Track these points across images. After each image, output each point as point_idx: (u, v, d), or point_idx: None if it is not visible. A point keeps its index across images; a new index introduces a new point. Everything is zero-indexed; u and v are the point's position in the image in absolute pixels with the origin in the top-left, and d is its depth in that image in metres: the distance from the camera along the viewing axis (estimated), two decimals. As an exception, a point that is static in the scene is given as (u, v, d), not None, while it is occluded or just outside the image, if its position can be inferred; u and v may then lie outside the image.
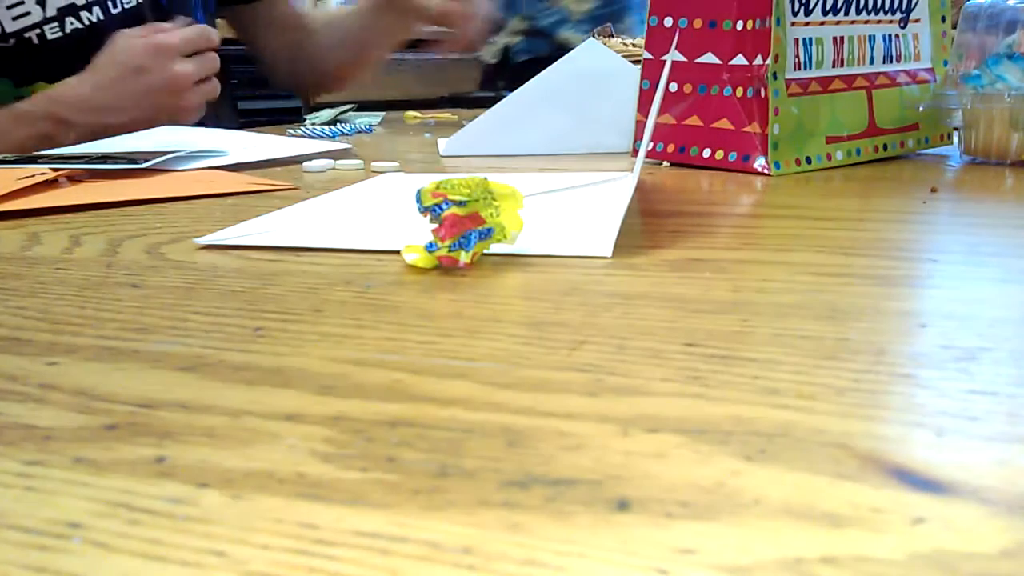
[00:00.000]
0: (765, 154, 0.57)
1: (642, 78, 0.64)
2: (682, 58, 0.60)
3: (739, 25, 0.58)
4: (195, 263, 0.35)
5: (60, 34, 0.84)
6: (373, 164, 0.65)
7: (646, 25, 0.63)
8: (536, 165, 0.65)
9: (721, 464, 0.17)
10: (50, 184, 0.53)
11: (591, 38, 0.83)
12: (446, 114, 1.23)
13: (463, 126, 0.77)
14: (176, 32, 0.78)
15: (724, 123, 0.59)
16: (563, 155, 0.71)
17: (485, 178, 0.32)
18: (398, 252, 0.33)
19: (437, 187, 0.31)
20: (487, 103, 0.87)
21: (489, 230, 0.32)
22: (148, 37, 0.78)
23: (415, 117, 1.19)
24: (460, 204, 0.31)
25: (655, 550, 0.14)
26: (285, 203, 0.48)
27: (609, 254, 0.34)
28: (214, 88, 0.83)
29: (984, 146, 0.61)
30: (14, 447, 0.18)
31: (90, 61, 0.79)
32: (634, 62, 1.09)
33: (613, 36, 1.28)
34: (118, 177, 0.57)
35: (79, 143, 0.75)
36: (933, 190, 0.50)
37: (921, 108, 0.64)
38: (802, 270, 0.32)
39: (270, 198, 0.51)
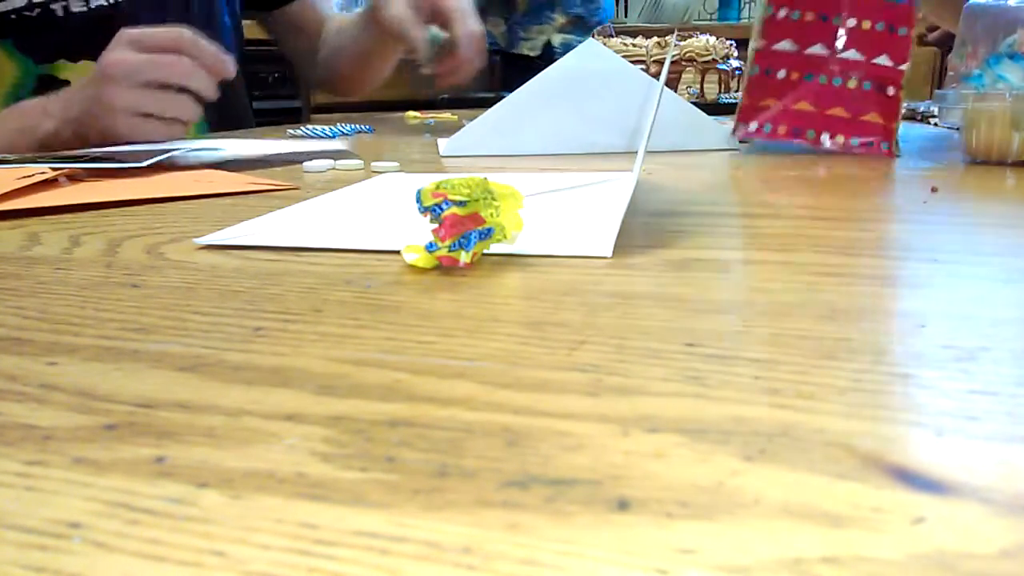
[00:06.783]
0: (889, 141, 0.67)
1: (753, 63, 0.71)
2: (825, 52, 0.69)
3: (901, 31, 0.67)
4: (195, 263, 0.35)
5: (84, 8, 0.81)
6: (373, 164, 0.65)
7: (760, 15, 0.71)
8: (536, 165, 0.65)
9: (721, 464, 0.17)
10: (50, 184, 0.53)
11: (591, 38, 0.83)
12: (446, 114, 1.23)
13: (463, 126, 0.77)
14: (129, 53, 0.70)
15: (873, 116, 0.68)
16: (563, 155, 0.72)
17: (485, 178, 0.32)
18: (398, 252, 0.33)
19: (437, 187, 0.31)
20: (487, 103, 0.87)
21: (489, 230, 0.32)
22: (113, 52, 0.71)
23: (415, 117, 1.19)
24: (460, 204, 0.31)
25: (655, 550, 0.14)
26: (285, 203, 0.48)
27: (609, 254, 0.34)
28: (179, 121, 0.71)
29: (985, 146, 0.61)
30: (14, 447, 0.18)
31: (108, 42, 0.74)
32: (634, 62, 1.09)
33: (613, 36, 1.28)
34: (118, 177, 0.57)
35: (55, 139, 0.72)
36: (933, 190, 0.50)
37: None
38: (802, 270, 0.32)
39: (270, 198, 0.51)
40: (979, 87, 0.63)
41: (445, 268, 0.32)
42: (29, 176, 0.52)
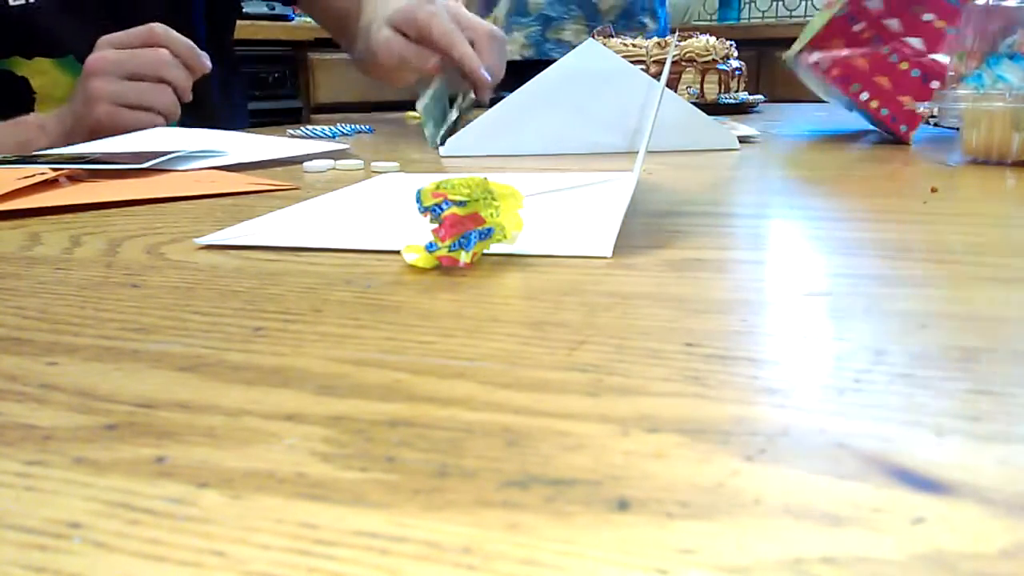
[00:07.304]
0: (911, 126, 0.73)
1: (843, 5, 0.78)
2: (897, 29, 0.75)
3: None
4: (195, 263, 0.35)
5: (22, 1, 0.82)
6: (373, 164, 0.65)
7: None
8: (536, 165, 0.65)
9: (721, 464, 0.17)
10: (50, 184, 0.53)
11: (590, 38, 0.83)
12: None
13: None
14: (109, 52, 0.74)
15: (908, 100, 0.74)
16: (563, 155, 0.72)
17: (485, 178, 0.32)
18: (398, 252, 0.33)
19: (437, 187, 0.31)
20: (487, 103, 0.87)
21: (489, 230, 0.32)
22: (95, 53, 0.74)
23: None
24: (460, 204, 0.31)
25: (655, 550, 0.14)
26: (285, 203, 0.48)
27: (609, 254, 0.34)
28: (152, 113, 0.75)
29: (985, 146, 0.61)
30: (14, 447, 0.18)
31: (56, 35, 0.77)
32: (634, 62, 1.09)
33: (613, 36, 1.28)
34: (118, 177, 0.57)
35: (50, 148, 0.73)
36: (933, 190, 0.50)
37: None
38: (802, 270, 0.32)
39: (270, 198, 0.51)
40: (979, 87, 0.63)
41: (445, 268, 0.32)
42: (30, 176, 0.52)
